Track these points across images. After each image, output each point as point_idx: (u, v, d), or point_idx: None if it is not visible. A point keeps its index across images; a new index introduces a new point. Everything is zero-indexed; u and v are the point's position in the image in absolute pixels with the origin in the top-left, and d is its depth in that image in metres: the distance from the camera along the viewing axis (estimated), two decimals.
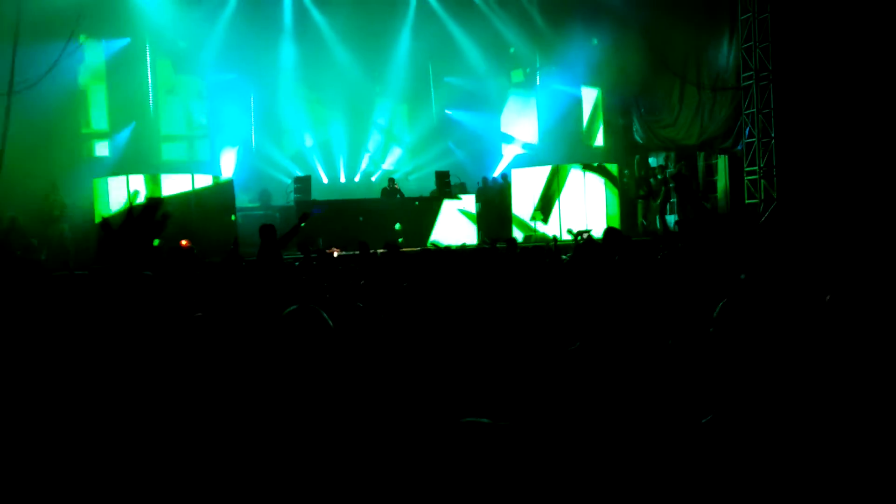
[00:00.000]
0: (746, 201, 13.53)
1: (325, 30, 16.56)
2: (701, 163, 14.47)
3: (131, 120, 14.56)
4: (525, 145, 17.48)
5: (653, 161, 15.13)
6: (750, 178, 13.52)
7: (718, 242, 8.54)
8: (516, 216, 13.66)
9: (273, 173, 16.24)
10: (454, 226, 12.98)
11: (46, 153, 12.11)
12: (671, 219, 13.37)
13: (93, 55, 14.19)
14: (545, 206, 13.20)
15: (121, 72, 14.57)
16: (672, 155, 14.68)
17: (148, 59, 15.19)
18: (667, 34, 14.42)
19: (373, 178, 16.96)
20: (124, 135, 14.37)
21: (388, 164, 17.57)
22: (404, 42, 17.12)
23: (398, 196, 13.84)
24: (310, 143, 16.82)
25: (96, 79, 14.32)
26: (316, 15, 16.51)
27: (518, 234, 12.98)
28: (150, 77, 15.25)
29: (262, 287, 5.63)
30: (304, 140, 16.87)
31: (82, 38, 13.47)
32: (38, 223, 11.24)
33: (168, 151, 15.55)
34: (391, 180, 14.41)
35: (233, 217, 12.29)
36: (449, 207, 13.24)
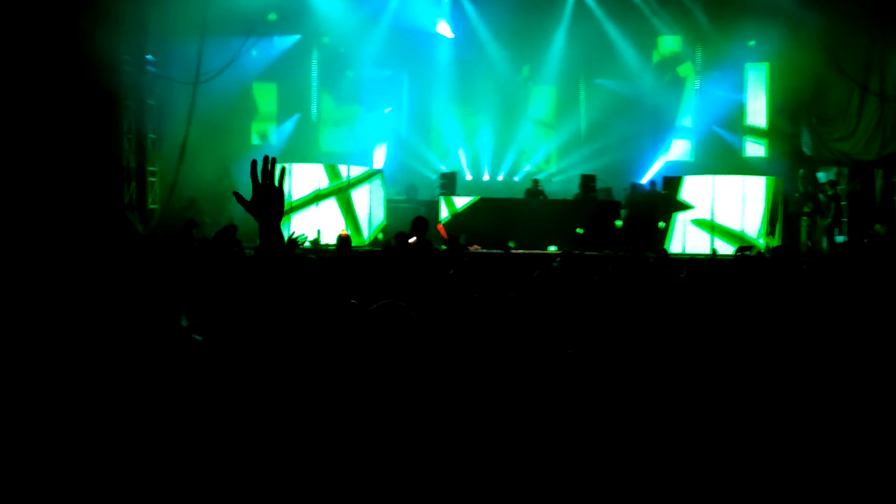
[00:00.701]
0: None
1: (480, 28, 16.71)
2: (879, 181, 13.16)
3: (295, 112, 15.52)
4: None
5: (821, 176, 13.95)
6: None
7: (884, 271, 7.73)
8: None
9: (420, 168, 16.68)
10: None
11: (222, 140, 13.16)
12: (841, 240, 12.28)
13: (266, 50, 15.23)
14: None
15: (289, 66, 15.55)
16: (845, 171, 13.46)
17: (314, 54, 16.12)
18: (846, 38, 13.22)
19: (515, 178, 16.93)
20: (289, 126, 15.35)
21: (532, 165, 17.47)
22: (559, 42, 16.91)
23: (541, 197, 13.73)
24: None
25: (267, 72, 15.36)
26: (471, 13, 16.70)
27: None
28: (314, 71, 16.18)
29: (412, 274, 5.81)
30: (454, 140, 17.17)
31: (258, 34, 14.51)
32: (213, 203, 12.27)
33: (326, 142, 16.42)
34: (535, 181, 14.34)
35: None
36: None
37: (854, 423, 2.23)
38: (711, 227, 12.04)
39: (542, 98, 17.30)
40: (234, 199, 2.11)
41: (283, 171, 2.03)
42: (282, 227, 2.01)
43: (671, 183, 12.72)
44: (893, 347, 2.93)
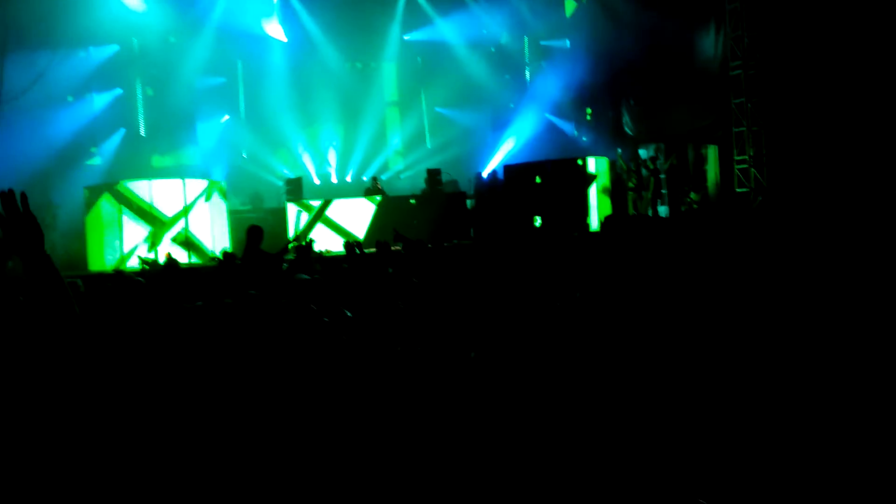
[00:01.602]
0: (737, 190, 13.63)
1: (313, 30, 16.54)
2: (691, 153, 14.53)
3: (119, 127, 14.53)
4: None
5: (643, 153, 15.18)
6: (740, 167, 13.60)
7: (714, 232, 8.60)
8: None
9: (264, 175, 16.24)
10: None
11: (35, 163, 12.05)
12: (663, 210, 13.44)
13: (78, 64, 14.11)
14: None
15: (108, 79, 14.52)
16: (662, 146, 14.73)
17: (135, 64, 15.16)
18: (655, 24, 14.46)
19: (363, 178, 16.97)
20: (113, 141, 14.32)
21: (378, 163, 17.58)
22: (394, 40, 17.13)
23: (380, 195, 13.85)
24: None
25: (83, 87, 14.22)
26: (302, 13, 16.48)
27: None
28: (139, 85, 15.22)
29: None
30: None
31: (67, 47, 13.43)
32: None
33: (158, 157, 15.49)
34: (374, 179, 14.56)
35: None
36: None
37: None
38: None
39: (381, 110, 17.39)
40: (54, 224, 1.96)
41: (23, 196, 1.90)
42: (44, 251, 1.89)
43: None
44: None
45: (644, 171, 13.44)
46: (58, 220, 11.53)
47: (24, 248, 1.85)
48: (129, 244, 10.60)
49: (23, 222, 1.86)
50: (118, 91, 14.81)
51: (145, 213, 10.82)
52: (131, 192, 10.86)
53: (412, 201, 12.88)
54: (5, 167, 11.13)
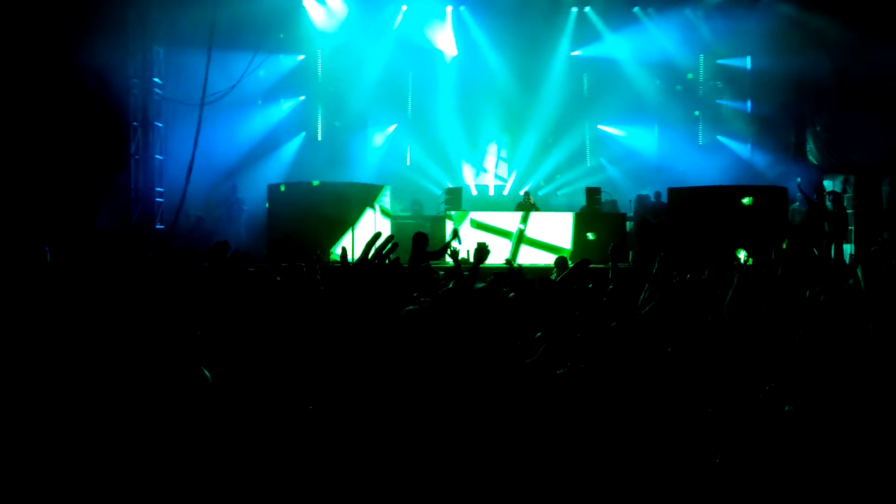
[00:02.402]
0: None
1: (483, 43, 16.88)
2: (886, 188, 13.12)
3: (300, 131, 15.69)
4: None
5: (827, 184, 13.93)
6: None
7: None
8: None
9: (425, 184, 16.78)
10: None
11: (229, 159, 13.30)
12: (847, 248, 12.23)
13: (272, 69, 15.41)
14: None
15: (293, 85, 15.73)
16: (851, 178, 13.43)
17: (319, 71, 16.31)
18: (846, 45, 13.24)
19: (521, 192, 17.04)
20: (294, 145, 15.51)
21: (534, 179, 17.55)
22: (562, 55, 17.06)
23: (532, 210, 13.76)
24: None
25: (272, 92, 15.52)
26: (474, 28, 16.88)
27: None
28: (318, 90, 16.38)
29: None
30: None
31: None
32: (220, 223, 12.38)
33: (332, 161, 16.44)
34: (527, 194, 14.43)
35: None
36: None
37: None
38: None
39: (543, 125, 17.29)
40: (240, 218, 2.13)
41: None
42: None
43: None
44: None
45: (828, 205, 12.29)
46: (243, 214, 12.64)
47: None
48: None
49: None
50: (301, 98, 16.02)
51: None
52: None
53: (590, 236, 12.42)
54: (202, 164, 12.43)
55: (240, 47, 13.20)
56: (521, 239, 12.48)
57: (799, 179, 13.57)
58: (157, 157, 12.82)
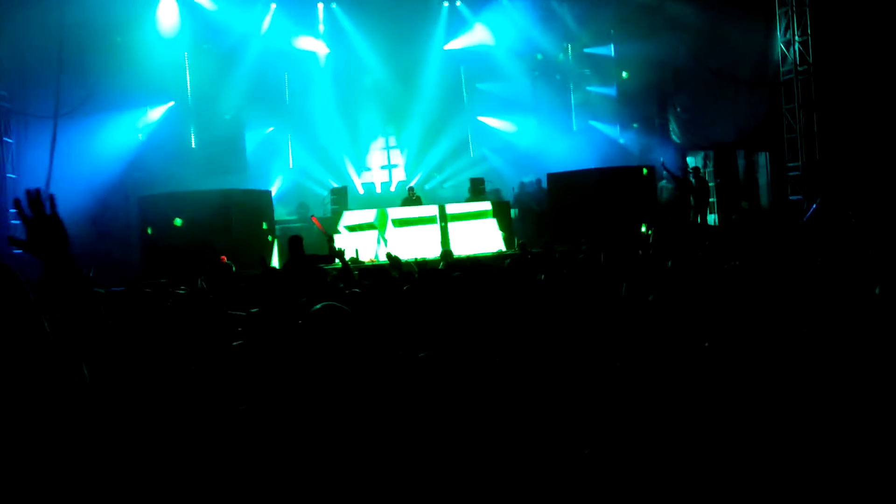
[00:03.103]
0: (790, 197, 13.23)
1: (357, 39, 16.72)
2: (741, 161, 14.19)
3: (172, 138, 14.85)
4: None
5: (690, 161, 14.89)
6: (792, 174, 13.21)
7: (763, 242, 8.35)
8: None
9: (310, 185, 16.46)
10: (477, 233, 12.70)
11: (92, 174, 12.42)
12: (712, 219, 13.13)
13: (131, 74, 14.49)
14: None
15: (159, 92, 14.87)
16: (710, 153, 14.42)
17: (188, 75, 15.52)
18: (700, 29, 14.18)
19: (408, 187, 17.09)
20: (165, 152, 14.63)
21: (421, 173, 17.64)
22: (437, 49, 17.21)
23: (418, 204, 13.87)
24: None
25: (136, 99, 14.59)
26: (347, 24, 16.68)
27: None
28: (188, 81, 15.56)
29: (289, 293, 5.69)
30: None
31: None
32: (88, 241, 11.57)
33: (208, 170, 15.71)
34: (411, 189, 14.49)
35: (266, 232, 12.34)
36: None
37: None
38: None
39: (424, 120, 17.35)
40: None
41: (51, 197, 1.89)
42: (69, 255, 1.87)
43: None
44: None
45: (692, 180, 13.14)
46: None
47: (47, 251, 1.82)
48: None
49: (48, 224, 1.83)
50: (170, 103, 15.14)
51: None
52: None
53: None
54: (62, 181, 11.57)
55: (92, 52, 12.35)
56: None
57: (662, 159, 14.44)
58: (10, 175, 11.79)
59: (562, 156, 15.74)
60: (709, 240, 8.82)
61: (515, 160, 16.90)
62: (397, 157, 17.72)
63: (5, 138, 11.75)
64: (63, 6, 11.52)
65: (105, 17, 12.38)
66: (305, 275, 6.48)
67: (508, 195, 14.67)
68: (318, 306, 2.46)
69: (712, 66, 14.25)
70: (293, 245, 7.21)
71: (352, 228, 12.19)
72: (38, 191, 1.86)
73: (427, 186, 17.01)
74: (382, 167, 17.72)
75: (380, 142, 17.75)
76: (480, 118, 17.86)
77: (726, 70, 14.13)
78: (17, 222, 11.45)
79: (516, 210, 14.00)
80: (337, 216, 13.11)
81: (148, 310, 4.02)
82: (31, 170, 11.67)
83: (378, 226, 12.23)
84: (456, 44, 17.34)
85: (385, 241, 11.98)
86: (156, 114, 14.73)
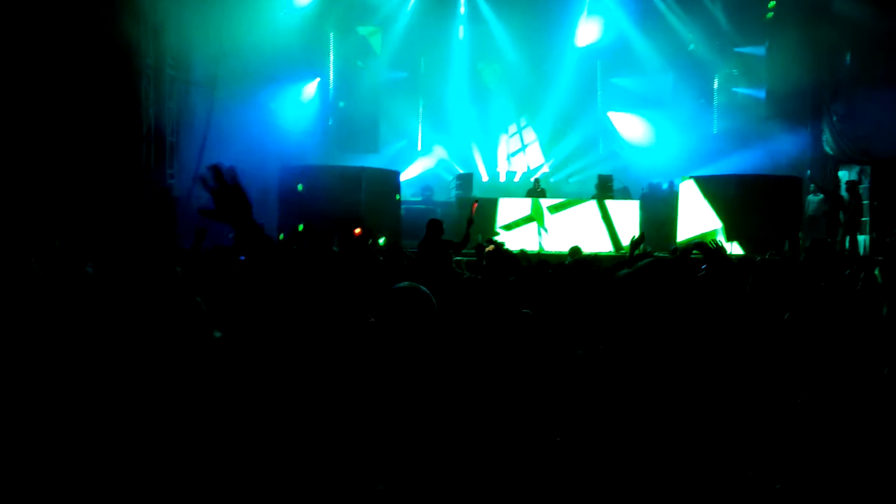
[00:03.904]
0: None
1: (496, 29, 16.73)
2: None
3: (322, 109, 15.59)
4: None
5: (843, 174, 13.73)
6: None
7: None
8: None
9: (436, 170, 16.73)
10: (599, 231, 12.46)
11: (241, 141, 13.24)
12: (862, 239, 12.07)
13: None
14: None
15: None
16: (867, 168, 13.22)
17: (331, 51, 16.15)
18: (867, 30, 12.98)
19: (532, 179, 16.98)
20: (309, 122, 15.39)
21: (549, 165, 17.47)
22: (573, 43, 16.91)
23: (543, 196, 13.72)
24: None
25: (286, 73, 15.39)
26: (487, 14, 16.72)
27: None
28: (331, 71, 16.25)
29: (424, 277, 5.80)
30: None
31: None
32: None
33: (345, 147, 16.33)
34: (536, 181, 14.46)
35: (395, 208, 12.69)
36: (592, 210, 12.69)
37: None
38: None
39: (555, 112, 17.15)
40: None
41: (231, 169, 2.01)
42: (253, 220, 1.99)
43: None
44: None
45: (844, 195, 12.11)
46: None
47: (234, 218, 1.96)
48: None
49: (232, 194, 1.97)
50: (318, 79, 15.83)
51: None
52: None
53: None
54: (215, 146, 12.45)
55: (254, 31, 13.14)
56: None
57: (809, 172, 13.40)
58: (170, 139, 12.80)
59: (699, 158, 15.04)
60: (854, 266, 8.10)
61: (648, 159, 16.33)
62: (525, 148, 17.64)
63: (167, 104, 12.78)
64: None
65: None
66: (436, 257, 6.60)
67: (637, 195, 14.20)
68: (402, 284, 2.42)
69: (879, 72, 13.02)
70: (432, 227, 7.30)
71: (508, 227, 12.31)
72: (217, 165, 2.02)
73: (552, 179, 16.81)
74: (509, 156, 17.70)
75: (509, 131, 17.72)
76: (612, 113, 17.38)
77: (891, 76, 12.87)
78: (174, 181, 12.46)
79: (643, 213, 13.52)
80: (461, 201, 13.27)
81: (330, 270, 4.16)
82: (190, 135, 12.60)
83: (535, 217, 12.27)
84: (592, 33, 16.87)
85: (545, 230, 12.13)
86: (310, 90, 15.47)
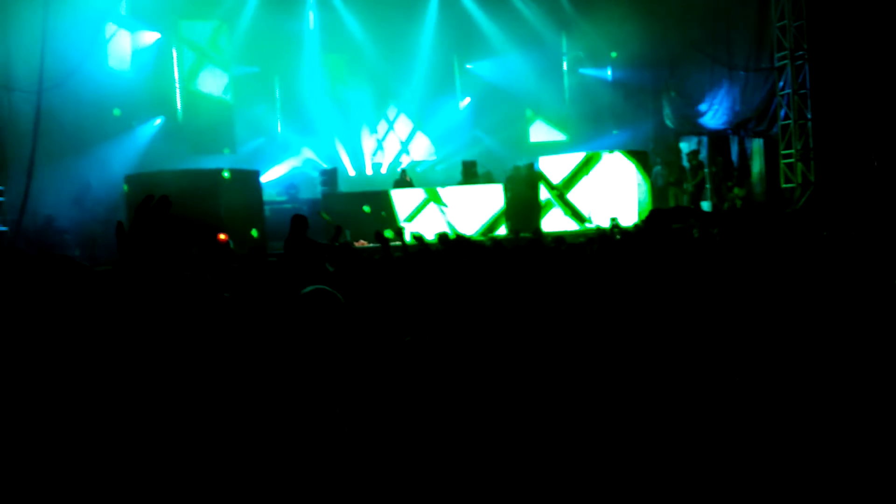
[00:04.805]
0: (783, 185, 13.21)
1: (349, 21, 16.44)
2: (735, 147, 14.13)
3: (159, 114, 14.56)
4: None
5: (683, 146, 14.82)
6: (786, 161, 13.17)
7: (757, 229, 8.29)
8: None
9: (301, 167, 16.26)
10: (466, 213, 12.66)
11: (78, 151, 12.13)
12: (706, 205, 13.09)
13: (121, 49, 14.17)
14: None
15: (149, 66, 14.56)
16: (704, 139, 14.35)
17: (174, 53, 15.21)
18: (694, 14, 14.07)
19: (398, 169, 16.92)
20: (150, 129, 14.34)
21: (414, 155, 17.48)
22: (428, 31, 16.94)
23: (410, 187, 13.74)
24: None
25: (125, 73, 14.28)
26: (339, 7, 16.38)
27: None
28: (176, 71, 15.28)
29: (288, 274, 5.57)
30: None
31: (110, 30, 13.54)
32: (73, 221, 11.33)
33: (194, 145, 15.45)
34: (403, 171, 14.44)
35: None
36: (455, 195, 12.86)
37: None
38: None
39: (416, 102, 17.19)
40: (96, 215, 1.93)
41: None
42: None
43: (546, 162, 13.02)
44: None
45: (686, 166, 13.08)
46: (98, 208, 11.63)
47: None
48: None
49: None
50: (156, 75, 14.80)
51: None
52: None
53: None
54: (45, 157, 11.32)
55: (80, 29, 12.05)
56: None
57: (652, 145, 14.34)
58: None
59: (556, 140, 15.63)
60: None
61: (508, 142, 16.77)
62: (388, 139, 17.53)
63: None
64: None
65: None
66: (304, 256, 6.35)
67: (501, 178, 14.52)
68: (308, 289, 2.41)
69: (707, 53, 14.17)
70: (296, 224, 6.98)
71: (411, 218, 12.13)
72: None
73: (419, 169, 16.85)
74: (374, 149, 17.52)
75: (371, 124, 17.52)
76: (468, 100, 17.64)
77: (721, 56, 14.05)
78: (2, 199, 11.18)
79: (508, 194, 13.87)
80: (328, 198, 12.98)
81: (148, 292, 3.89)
82: (16, 146, 11.36)
83: (433, 199, 12.27)
84: (448, 26, 16.98)
85: (445, 206, 12.03)
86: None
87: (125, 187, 11.13)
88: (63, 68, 11.68)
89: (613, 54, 16.13)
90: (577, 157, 12.67)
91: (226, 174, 11.31)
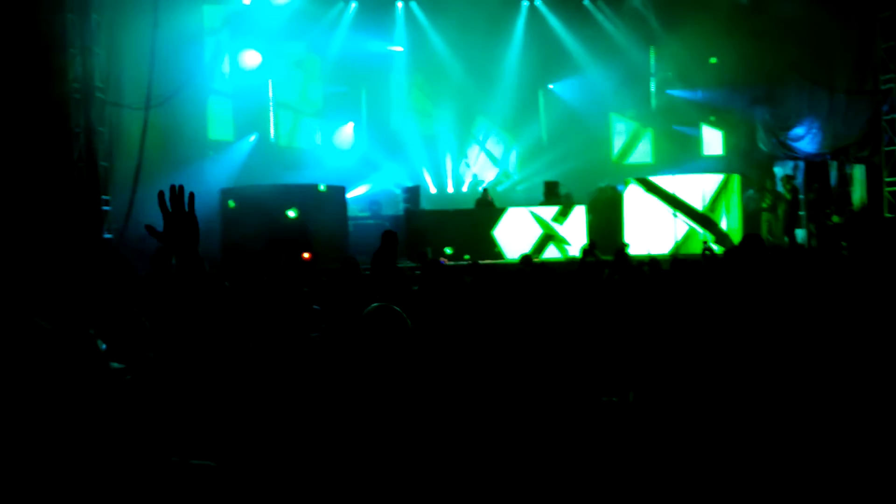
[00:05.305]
0: (886, 215, 12.44)
1: (436, 41, 16.70)
2: (833, 173, 13.45)
3: (253, 131, 15.22)
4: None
5: (778, 171, 14.22)
6: (890, 189, 12.42)
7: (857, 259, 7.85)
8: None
9: (384, 184, 16.55)
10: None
11: (178, 165, 12.80)
12: (800, 233, 12.49)
13: (221, 68, 14.93)
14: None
15: (245, 85, 15.26)
16: (801, 164, 13.73)
17: (270, 72, 15.89)
18: (793, 33, 13.51)
19: (479, 188, 16.98)
20: (246, 146, 15.00)
21: (493, 175, 17.53)
22: (514, 51, 16.99)
23: (491, 206, 13.78)
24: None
25: (222, 92, 15.03)
26: (427, 27, 16.67)
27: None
28: (270, 90, 15.94)
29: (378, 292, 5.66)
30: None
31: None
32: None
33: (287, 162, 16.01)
34: (485, 191, 14.53)
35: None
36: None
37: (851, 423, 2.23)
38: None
39: (500, 122, 17.28)
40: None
41: (191, 195, 1.94)
42: (198, 252, 1.89)
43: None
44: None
45: (781, 191, 12.52)
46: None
47: (181, 245, 1.88)
48: None
49: (185, 220, 1.89)
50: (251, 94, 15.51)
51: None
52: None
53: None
54: (151, 170, 12.01)
55: (185, 49, 12.79)
56: None
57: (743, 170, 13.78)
58: (102, 163, 12.28)
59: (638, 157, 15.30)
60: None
61: (590, 163, 16.56)
62: (472, 159, 17.64)
63: (99, 128, 12.26)
64: (157, 7, 11.97)
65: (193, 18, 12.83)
66: (392, 272, 6.46)
67: (583, 199, 14.36)
68: (373, 307, 2.44)
69: (805, 74, 13.57)
70: (387, 239, 7.13)
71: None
72: (181, 188, 1.90)
73: (500, 188, 16.86)
74: (456, 168, 17.66)
75: (456, 143, 17.67)
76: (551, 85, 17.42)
77: (821, 78, 13.42)
78: (109, 209, 11.96)
79: (590, 216, 13.69)
80: (410, 215, 13.19)
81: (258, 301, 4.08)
82: (123, 159, 12.12)
83: (542, 226, 12.66)
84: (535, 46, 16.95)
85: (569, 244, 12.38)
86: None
87: (231, 203, 11.65)
88: (169, 86, 12.38)
89: (713, 60, 15.57)
90: (684, 179, 12.50)
91: (322, 188, 11.75)
